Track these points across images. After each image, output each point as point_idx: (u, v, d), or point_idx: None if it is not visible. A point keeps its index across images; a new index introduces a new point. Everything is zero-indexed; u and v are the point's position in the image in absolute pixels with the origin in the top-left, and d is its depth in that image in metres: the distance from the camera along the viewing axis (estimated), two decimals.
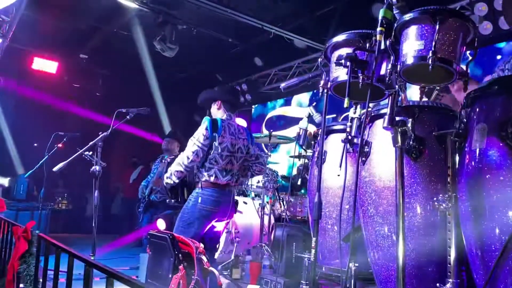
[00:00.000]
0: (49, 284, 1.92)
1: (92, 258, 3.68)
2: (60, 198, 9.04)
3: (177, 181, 3.23)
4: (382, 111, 2.05)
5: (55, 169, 3.86)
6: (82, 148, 3.95)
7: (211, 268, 2.68)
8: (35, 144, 8.45)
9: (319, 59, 1.86)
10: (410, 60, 1.51)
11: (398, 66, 1.56)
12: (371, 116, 2.08)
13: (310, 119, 2.86)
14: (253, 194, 5.93)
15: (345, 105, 1.53)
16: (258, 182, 5.21)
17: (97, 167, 3.83)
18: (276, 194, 5.37)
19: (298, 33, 6.38)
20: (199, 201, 3.16)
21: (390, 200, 1.92)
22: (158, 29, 6.94)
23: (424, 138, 1.86)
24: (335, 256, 2.46)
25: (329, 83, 1.81)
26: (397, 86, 1.61)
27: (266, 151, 5.11)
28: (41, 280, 1.93)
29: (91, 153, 3.95)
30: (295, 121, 8.01)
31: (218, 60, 8.47)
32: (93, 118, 7.98)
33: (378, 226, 1.97)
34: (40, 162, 5.42)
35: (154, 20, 6.75)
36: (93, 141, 3.90)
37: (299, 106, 8.19)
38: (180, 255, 2.61)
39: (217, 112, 3.53)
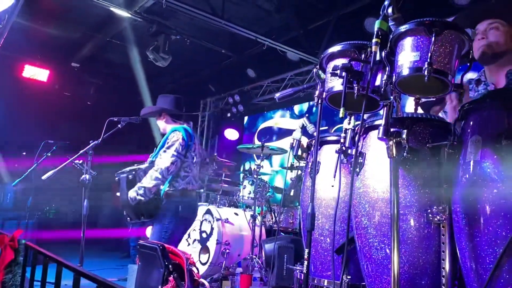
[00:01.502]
0: None
1: None
2: (47, 208, 8.91)
3: (151, 196, 3.14)
4: (376, 122, 2.05)
5: (44, 177, 3.80)
6: (72, 157, 3.91)
7: (201, 280, 2.64)
8: (24, 153, 8.34)
9: (314, 70, 1.86)
10: (405, 71, 1.51)
11: (394, 77, 1.56)
12: (365, 127, 2.08)
13: (304, 130, 2.86)
14: (244, 206, 5.91)
15: (341, 115, 1.52)
16: (250, 193, 5.19)
17: (87, 176, 3.79)
18: (268, 205, 5.34)
19: (291, 45, 6.43)
20: (180, 209, 3.20)
21: (384, 212, 1.90)
22: (151, 39, 6.94)
23: (418, 150, 1.86)
24: (327, 268, 2.43)
25: (324, 93, 1.80)
26: (392, 97, 1.61)
27: (258, 162, 5.10)
28: None
29: (81, 161, 3.91)
30: (287, 132, 8.02)
31: (211, 70, 8.49)
32: (84, 127, 7.91)
33: (372, 237, 1.95)
34: (28, 171, 5.33)
35: (148, 29, 6.76)
36: (84, 149, 3.86)
37: (292, 117, 8.20)
38: (170, 266, 2.57)
39: (166, 124, 3.58)
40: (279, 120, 8.53)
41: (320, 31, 6.28)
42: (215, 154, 6.03)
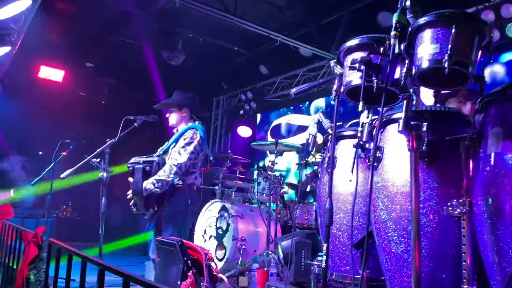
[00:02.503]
0: None
1: None
2: (64, 206, 9.04)
3: (165, 189, 3.21)
4: (394, 116, 2.04)
5: (62, 175, 3.85)
6: (89, 155, 3.95)
7: (220, 275, 2.66)
8: (40, 153, 8.48)
9: (331, 63, 1.86)
10: (425, 64, 1.50)
11: (413, 69, 1.55)
12: (383, 121, 2.07)
13: (320, 125, 2.85)
14: (258, 202, 5.92)
15: (360, 108, 1.52)
16: (264, 189, 5.19)
17: (105, 174, 3.83)
18: (282, 201, 5.35)
19: (304, 41, 6.41)
20: (189, 202, 3.30)
21: (403, 206, 1.90)
22: (164, 38, 7.00)
23: (437, 143, 1.85)
24: (346, 263, 2.43)
25: (342, 87, 1.80)
26: (411, 90, 1.61)
27: (272, 158, 5.10)
28: (51, 287, 1.92)
29: (98, 160, 3.95)
30: (300, 129, 8.01)
31: (223, 68, 8.51)
32: (99, 127, 8.00)
33: (391, 232, 1.95)
34: (46, 170, 5.42)
35: (161, 28, 6.81)
36: (101, 148, 3.90)
37: (305, 113, 8.19)
38: (189, 262, 2.59)
39: (182, 118, 3.57)
40: (292, 116, 8.52)
41: (333, 26, 6.25)
42: (229, 151, 6.05)
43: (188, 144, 3.30)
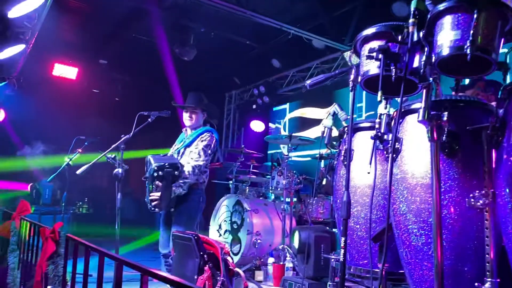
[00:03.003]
0: (78, 286, 1.90)
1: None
2: (80, 202, 9.14)
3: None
4: (413, 106, 2.00)
5: (78, 172, 3.88)
6: (103, 152, 3.96)
7: (237, 269, 2.65)
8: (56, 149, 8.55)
9: (348, 53, 1.81)
10: (446, 51, 1.46)
11: (433, 57, 1.50)
12: (401, 112, 2.02)
13: (335, 117, 2.82)
14: (273, 196, 5.90)
15: (378, 98, 1.49)
16: (279, 183, 5.17)
17: (120, 170, 3.84)
18: (297, 195, 5.32)
19: (317, 33, 6.33)
20: (201, 200, 3.46)
21: (423, 197, 1.86)
22: (176, 33, 6.99)
23: (458, 133, 1.80)
24: (364, 256, 2.40)
25: (359, 77, 1.76)
26: (431, 79, 1.56)
27: (286, 152, 5.08)
28: (69, 282, 1.92)
29: (113, 155, 3.97)
30: (314, 122, 7.95)
31: (235, 62, 8.48)
32: (113, 123, 8.04)
33: (411, 224, 1.91)
34: (62, 166, 5.47)
35: (173, 24, 6.80)
36: (116, 144, 3.92)
37: (318, 107, 8.12)
38: (205, 256, 2.59)
39: (201, 121, 3.71)
40: (305, 110, 8.46)
41: (346, 18, 6.17)
42: (243, 146, 6.03)
43: (207, 146, 3.46)
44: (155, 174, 3.17)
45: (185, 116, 3.69)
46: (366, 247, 2.38)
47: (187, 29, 7.09)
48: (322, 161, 5.02)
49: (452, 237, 1.80)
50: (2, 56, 4.76)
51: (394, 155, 1.99)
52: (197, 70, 8.09)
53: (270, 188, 5.26)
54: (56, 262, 2.04)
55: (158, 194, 3.18)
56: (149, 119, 4.04)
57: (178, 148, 3.65)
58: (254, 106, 9.03)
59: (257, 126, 9.19)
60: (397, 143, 2.00)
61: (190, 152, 3.47)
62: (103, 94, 9.46)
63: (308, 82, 2.17)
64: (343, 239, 2.02)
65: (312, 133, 7.78)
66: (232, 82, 9.31)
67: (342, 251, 2.02)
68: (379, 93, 1.48)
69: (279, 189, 5.14)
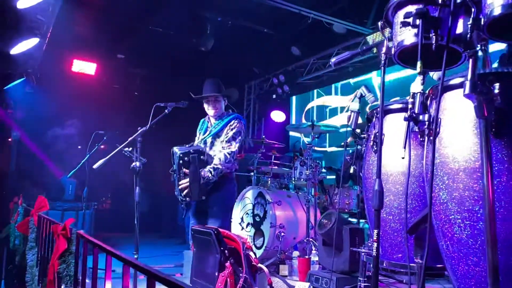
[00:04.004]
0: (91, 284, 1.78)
1: (135, 257, 3.59)
2: (103, 198, 9.16)
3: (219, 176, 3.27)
4: (452, 82, 1.78)
5: (95, 166, 3.79)
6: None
7: (260, 265, 2.49)
8: (79, 147, 8.56)
9: (379, 23, 1.61)
10: (498, 10, 1.24)
11: (481, 20, 1.29)
12: (442, 87, 1.81)
13: (362, 100, 2.61)
14: (295, 188, 5.72)
15: (418, 69, 1.28)
16: (302, 174, 4.98)
17: (137, 163, 3.73)
18: (321, 186, 5.13)
19: (337, 17, 6.08)
20: (235, 189, 3.47)
21: (467, 184, 1.65)
22: (193, 23, 6.84)
23: (506, 110, 1.58)
24: (398, 250, 2.20)
25: (392, 49, 1.55)
26: (478, 46, 1.35)
27: (309, 141, 4.87)
28: (80, 279, 1.80)
29: (130, 149, 3.86)
30: (337, 110, 7.71)
31: (254, 52, 8.28)
32: (133, 118, 7.97)
33: (453, 214, 1.71)
34: (82, 162, 5.43)
35: (189, 14, 6.65)
36: (132, 137, 3.80)
37: (340, 94, 7.86)
38: (226, 251, 2.44)
39: (220, 107, 3.58)
40: (326, 98, 8.22)
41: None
42: (263, 136, 5.85)
43: (237, 133, 3.38)
44: (181, 161, 3.13)
45: (207, 106, 3.58)
46: (400, 240, 2.18)
47: (203, 19, 6.93)
48: (348, 149, 4.80)
49: (503, 228, 1.59)
50: (16, 50, 4.69)
51: (432, 137, 1.78)
52: (215, 60, 7.92)
53: (293, 178, 5.07)
54: (68, 261, 1.92)
55: (187, 180, 3.10)
56: (166, 111, 3.92)
57: (204, 138, 3.54)
58: (274, 96, 8.83)
59: (277, 116, 8.99)
60: (434, 124, 1.79)
61: (222, 142, 3.40)
62: (122, 89, 9.41)
63: (333, 60, 1.97)
64: (375, 231, 1.84)
65: (335, 121, 7.56)
66: (251, 72, 9.12)
67: (375, 244, 1.84)
68: (419, 64, 1.27)
69: (302, 179, 4.94)
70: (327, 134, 7.65)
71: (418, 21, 1.32)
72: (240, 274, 2.39)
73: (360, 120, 2.68)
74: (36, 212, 3.37)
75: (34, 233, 3.42)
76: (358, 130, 2.94)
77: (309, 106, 8.58)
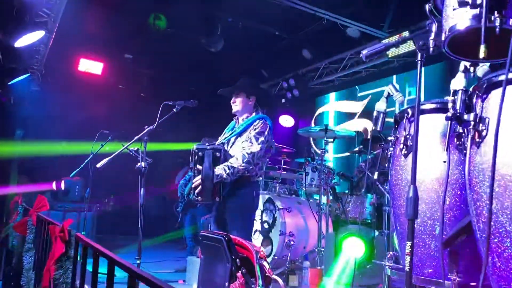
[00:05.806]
0: None
1: (138, 262, 3.40)
2: (106, 199, 8.97)
3: (235, 177, 3.00)
4: (500, 78, 1.58)
5: (98, 165, 3.62)
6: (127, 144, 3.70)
7: (274, 276, 2.29)
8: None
9: (426, 6, 1.41)
10: None
11: None
12: (484, 86, 1.61)
13: (389, 100, 2.41)
14: (305, 194, 5.52)
15: (482, 54, 1.09)
16: (313, 180, 4.79)
17: (143, 164, 3.55)
18: (333, 193, 4.92)
19: (353, 20, 5.90)
20: (254, 194, 3.15)
21: None
22: (203, 23, 6.69)
23: None
24: (429, 264, 1.99)
25: (442, 35, 1.35)
26: None
27: (317, 149, 4.68)
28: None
29: (136, 149, 3.69)
30: (348, 116, 7.50)
31: (263, 54, 8.12)
32: (139, 119, 7.80)
33: (503, 227, 1.50)
34: (85, 162, 5.26)
35: (199, 14, 6.50)
36: (138, 136, 3.63)
37: (352, 99, 7.66)
38: (238, 260, 2.24)
39: (248, 106, 3.35)
40: (337, 104, 8.03)
41: (384, 1, 5.71)
42: (273, 140, 5.67)
43: (260, 133, 3.13)
44: (196, 157, 2.92)
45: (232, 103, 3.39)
46: (432, 254, 1.97)
47: (213, 19, 6.77)
48: (361, 155, 4.60)
49: None
50: (21, 43, 4.53)
51: (479, 140, 1.58)
52: (224, 62, 7.76)
53: (303, 184, 4.87)
54: (65, 266, 1.72)
55: (199, 177, 2.88)
56: (174, 109, 3.75)
57: (227, 137, 3.33)
58: (283, 100, 8.63)
59: (286, 121, 8.80)
60: (481, 125, 1.59)
61: (243, 142, 3.16)
62: (129, 90, 9.25)
63: (364, 52, 1.78)
64: (409, 243, 1.64)
65: (348, 128, 7.36)
66: (260, 75, 8.94)
67: (408, 258, 1.64)
68: (482, 48, 1.08)
69: (313, 186, 4.75)
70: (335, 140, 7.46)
71: (480, 0, 1.13)
72: (253, 286, 2.19)
73: (363, 125, 2.49)
74: (35, 211, 3.18)
75: (33, 233, 3.23)
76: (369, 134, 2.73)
77: (319, 111, 8.39)
